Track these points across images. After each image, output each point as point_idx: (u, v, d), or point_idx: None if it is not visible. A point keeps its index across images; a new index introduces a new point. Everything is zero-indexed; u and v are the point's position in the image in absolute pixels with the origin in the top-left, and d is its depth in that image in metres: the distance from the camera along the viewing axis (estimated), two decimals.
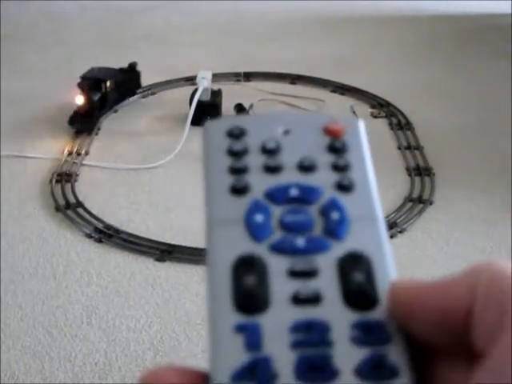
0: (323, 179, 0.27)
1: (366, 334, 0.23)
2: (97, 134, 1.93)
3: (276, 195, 0.26)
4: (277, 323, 0.23)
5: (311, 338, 0.23)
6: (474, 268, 0.23)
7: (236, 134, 0.28)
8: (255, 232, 0.25)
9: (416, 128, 1.95)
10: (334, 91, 2.19)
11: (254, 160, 0.27)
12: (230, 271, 0.24)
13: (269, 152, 0.27)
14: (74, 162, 1.77)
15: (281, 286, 0.24)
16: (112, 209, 1.60)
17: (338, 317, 0.24)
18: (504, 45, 2.53)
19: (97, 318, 1.28)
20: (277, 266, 0.25)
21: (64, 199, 1.62)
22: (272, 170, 0.27)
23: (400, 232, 1.53)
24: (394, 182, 1.71)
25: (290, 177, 0.27)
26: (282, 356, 0.23)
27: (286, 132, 0.28)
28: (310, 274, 0.24)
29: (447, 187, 1.69)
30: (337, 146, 0.27)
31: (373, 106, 2.09)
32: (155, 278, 1.38)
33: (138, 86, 2.11)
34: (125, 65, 2.21)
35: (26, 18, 2.84)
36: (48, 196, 1.64)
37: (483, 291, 0.22)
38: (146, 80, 2.22)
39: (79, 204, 1.60)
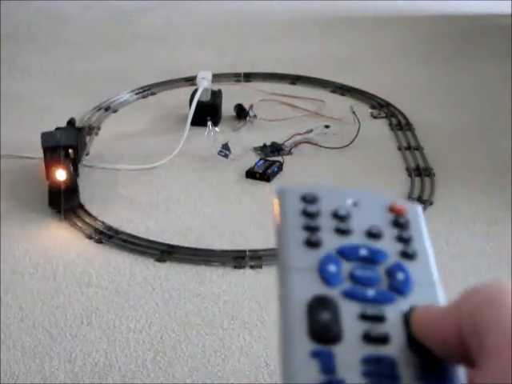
0: (389, 246, 0.30)
1: (426, 372, 0.26)
2: (97, 134, 1.93)
3: (347, 252, 0.29)
4: (349, 354, 0.26)
5: (381, 370, 0.26)
6: (463, 297, 0.27)
7: (310, 199, 0.31)
8: (328, 279, 0.28)
9: (416, 128, 1.95)
10: (333, 91, 2.19)
11: (326, 222, 0.30)
12: (306, 308, 0.27)
13: (340, 217, 0.31)
14: None
15: (353, 325, 0.27)
16: (112, 209, 1.60)
17: (403, 357, 0.27)
18: (504, 45, 2.53)
19: (97, 318, 1.28)
20: (348, 309, 0.28)
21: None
22: (343, 232, 0.30)
23: None
24: (394, 182, 1.71)
25: (359, 239, 0.30)
26: (355, 381, 0.25)
27: (355, 204, 0.32)
28: (379, 318, 0.28)
29: (447, 187, 1.69)
30: (400, 222, 0.31)
31: (373, 107, 2.09)
32: (155, 279, 1.38)
33: (85, 144, 1.81)
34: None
35: (25, 18, 2.84)
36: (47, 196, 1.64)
37: (466, 323, 0.26)
38: (145, 80, 2.23)
39: (79, 204, 1.60)
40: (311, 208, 0.31)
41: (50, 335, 1.24)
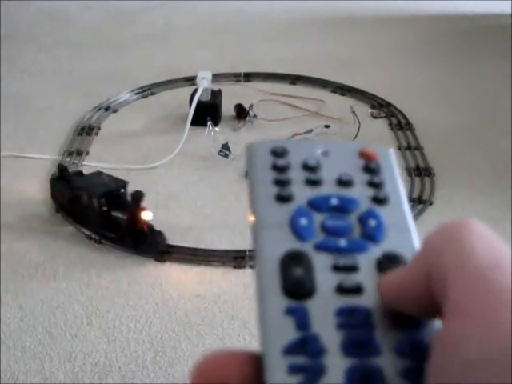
0: (360, 193, 0.30)
1: (401, 319, 0.27)
2: (97, 134, 1.93)
3: (318, 204, 0.29)
4: (323, 308, 0.27)
5: (355, 320, 0.26)
6: (426, 241, 0.26)
7: (279, 153, 0.31)
8: (300, 233, 0.28)
9: (416, 128, 1.95)
10: (334, 91, 2.19)
11: (297, 175, 0.30)
12: (279, 264, 0.27)
13: (310, 168, 0.31)
14: (73, 162, 1.77)
15: (325, 278, 0.27)
16: None
17: (377, 306, 0.27)
18: (504, 45, 2.53)
19: (97, 318, 1.28)
20: (321, 262, 0.28)
21: None
22: (313, 183, 0.30)
23: None
24: None
25: (329, 189, 0.30)
26: (329, 335, 0.26)
27: (325, 153, 0.31)
28: (351, 268, 0.28)
29: (447, 187, 1.69)
30: (371, 167, 0.31)
31: (373, 106, 2.09)
32: (155, 278, 1.38)
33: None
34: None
35: (25, 18, 2.84)
36: (48, 196, 1.64)
37: (432, 271, 0.25)
38: (145, 80, 2.23)
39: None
40: (281, 161, 0.31)
41: (50, 335, 1.24)
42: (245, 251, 1.45)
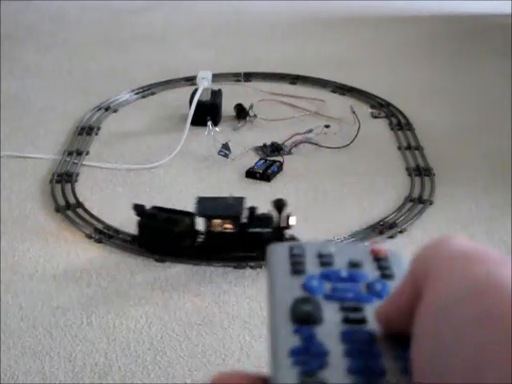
0: (369, 271, 0.33)
1: (402, 341, 0.28)
2: (97, 133, 1.93)
3: (329, 275, 0.32)
4: (329, 329, 0.29)
5: (359, 336, 0.28)
6: (411, 265, 0.28)
7: (296, 246, 0.35)
8: (311, 289, 0.31)
9: (416, 128, 1.95)
10: (333, 91, 2.19)
11: (311, 260, 0.33)
12: (290, 305, 0.30)
13: (323, 256, 0.34)
14: (73, 162, 1.77)
15: (333, 314, 0.30)
16: (112, 209, 1.60)
17: (380, 331, 0.29)
18: (504, 45, 2.53)
19: (97, 318, 1.28)
20: (329, 306, 0.30)
21: (64, 199, 1.62)
22: (325, 264, 0.33)
23: (400, 232, 1.53)
24: (394, 182, 1.71)
25: (341, 267, 0.33)
26: (334, 344, 0.28)
27: (338, 248, 0.34)
28: (357, 309, 0.30)
29: (447, 187, 1.69)
30: (381, 257, 0.34)
31: (373, 106, 2.09)
32: (155, 278, 1.38)
33: None
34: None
35: (25, 18, 2.84)
36: (48, 196, 1.64)
37: (416, 288, 0.27)
38: (146, 80, 2.23)
39: (79, 204, 1.60)
40: (297, 251, 0.34)
41: (50, 335, 1.24)
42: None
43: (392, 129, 1.97)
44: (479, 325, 0.22)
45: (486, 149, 1.86)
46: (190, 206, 1.48)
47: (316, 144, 1.85)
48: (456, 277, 0.25)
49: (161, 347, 1.22)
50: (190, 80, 2.15)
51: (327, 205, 1.62)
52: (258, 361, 1.19)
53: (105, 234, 1.50)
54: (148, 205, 1.46)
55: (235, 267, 1.41)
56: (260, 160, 1.76)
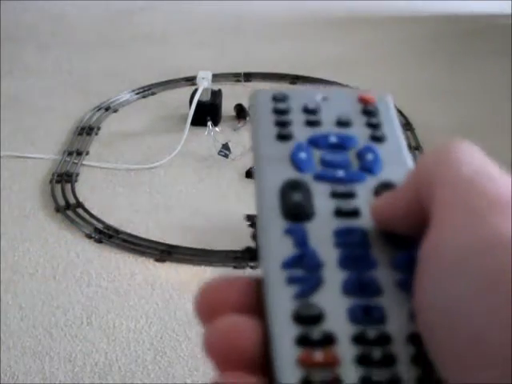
0: (358, 132, 0.31)
1: (396, 238, 0.27)
2: (97, 134, 1.93)
3: (317, 141, 0.30)
4: (321, 228, 0.27)
5: (352, 240, 0.27)
6: (417, 163, 0.27)
7: (280, 99, 0.32)
8: (299, 165, 0.29)
9: (416, 128, 1.95)
10: None
11: (297, 117, 0.31)
12: (279, 191, 0.28)
13: (309, 111, 0.32)
14: (73, 162, 1.77)
15: (324, 203, 0.28)
16: (112, 209, 1.60)
17: (374, 228, 0.28)
18: (504, 45, 2.53)
19: (97, 318, 1.28)
20: (320, 190, 0.29)
21: (64, 199, 1.62)
22: (313, 123, 0.31)
23: None
24: None
25: (329, 129, 0.31)
26: (327, 251, 0.27)
27: (324, 99, 0.32)
28: (349, 195, 0.29)
29: None
30: (370, 110, 0.32)
31: None
32: (155, 278, 1.38)
33: None
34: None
35: (26, 18, 2.84)
36: (48, 196, 1.64)
37: (422, 186, 0.26)
38: (146, 80, 2.23)
39: (79, 204, 1.60)
40: (281, 105, 0.32)
41: (50, 335, 1.24)
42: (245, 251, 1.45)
43: None
44: (491, 286, 0.22)
45: (486, 149, 1.85)
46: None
47: None
48: (463, 221, 0.23)
49: (161, 347, 1.22)
50: (190, 80, 2.15)
51: None
52: None
53: (105, 234, 1.50)
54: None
55: (235, 267, 1.42)
56: None
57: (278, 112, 0.32)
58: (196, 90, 1.93)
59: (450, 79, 2.30)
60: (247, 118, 1.96)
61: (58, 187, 1.67)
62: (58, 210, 1.59)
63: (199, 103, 1.91)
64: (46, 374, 1.17)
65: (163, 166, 1.76)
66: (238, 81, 2.25)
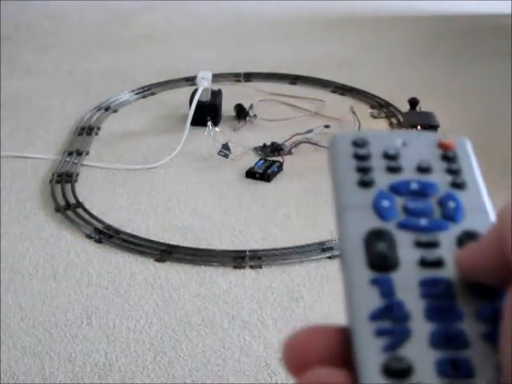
0: (439, 179, 0.31)
1: (481, 289, 0.28)
2: (97, 133, 1.93)
3: (399, 188, 0.31)
4: (406, 279, 0.28)
5: (438, 290, 0.27)
6: (499, 215, 0.28)
7: (360, 143, 0.33)
8: (383, 213, 0.30)
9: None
10: (333, 91, 2.19)
11: (377, 163, 0.32)
12: (363, 241, 0.29)
13: (390, 157, 0.32)
14: (74, 162, 1.77)
15: (408, 253, 0.28)
16: (112, 209, 1.60)
17: (459, 277, 0.28)
18: (504, 45, 2.53)
19: (97, 318, 1.28)
20: (403, 239, 0.29)
21: (64, 199, 1.62)
22: (393, 169, 0.31)
23: None
24: None
25: (409, 175, 0.31)
26: (413, 302, 0.27)
27: (404, 144, 0.33)
28: (433, 244, 0.29)
29: None
30: (449, 156, 0.32)
31: (373, 107, 2.09)
32: (155, 279, 1.38)
33: None
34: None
35: (25, 18, 2.84)
36: (48, 196, 1.64)
37: (505, 238, 0.26)
38: (146, 80, 2.23)
39: (79, 204, 1.60)
40: (362, 151, 0.32)
41: (50, 335, 1.24)
42: (245, 251, 1.45)
43: (392, 129, 1.97)
44: None
45: (487, 149, 1.86)
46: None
47: (316, 144, 1.85)
48: None
49: (161, 347, 1.22)
50: (190, 80, 2.15)
51: (327, 205, 1.62)
52: (258, 361, 1.19)
53: (105, 234, 1.50)
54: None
55: (235, 267, 1.42)
56: (260, 160, 1.76)
57: (359, 158, 0.32)
58: (196, 90, 1.93)
59: (449, 79, 2.30)
60: (247, 119, 1.96)
61: (58, 187, 1.67)
62: (57, 210, 1.59)
63: (199, 103, 1.91)
64: (45, 374, 1.17)
65: (163, 166, 1.76)
66: (238, 81, 2.25)
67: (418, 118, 1.89)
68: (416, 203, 0.30)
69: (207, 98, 1.94)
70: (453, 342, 0.26)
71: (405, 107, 2.06)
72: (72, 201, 1.62)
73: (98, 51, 2.50)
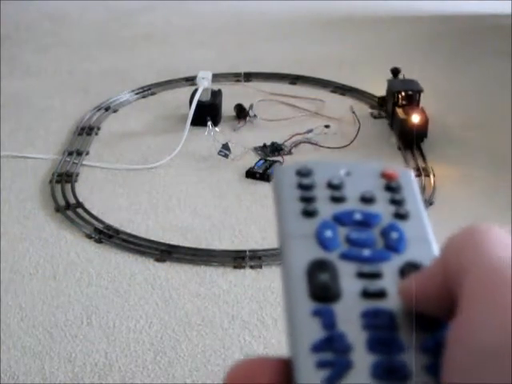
0: (382, 209, 0.32)
1: (424, 321, 0.28)
2: (97, 134, 1.93)
3: (342, 218, 0.31)
4: (348, 310, 0.28)
5: (379, 321, 0.27)
6: (445, 247, 0.27)
7: (304, 173, 0.33)
8: (325, 243, 0.30)
9: None
10: (333, 91, 2.19)
11: (321, 193, 0.32)
12: (305, 271, 0.29)
13: (334, 187, 0.32)
14: (74, 162, 1.77)
15: (350, 284, 0.28)
16: (112, 209, 1.60)
17: (401, 309, 0.28)
18: (504, 45, 2.53)
19: (97, 318, 1.28)
20: (346, 269, 0.29)
21: (64, 199, 1.62)
22: (337, 199, 0.32)
23: None
24: None
25: (353, 205, 0.32)
26: (355, 334, 0.27)
27: (348, 174, 0.33)
28: (375, 275, 0.29)
29: (447, 187, 1.69)
30: (393, 186, 0.33)
31: (373, 106, 2.09)
32: (155, 278, 1.38)
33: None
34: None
35: (25, 18, 2.84)
36: (48, 196, 1.64)
37: (451, 271, 0.26)
38: (145, 80, 2.23)
39: (79, 204, 1.60)
40: (306, 180, 0.32)
41: (50, 335, 1.24)
42: (245, 251, 1.45)
43: (392, 129, 1.97)
44: None
45: (487, 149, 1.86)
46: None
47: (316, 144, 1.85)
48: (489, 318, 0.24)
49: (161, 347, 1.22)
50: (190, 80, 2.15)
51: None
52: None
53: (105, 234, 1.50)
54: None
55: (235, 267, 1.42)
56: (260, 160, 1.76)
57: (303, 187, 0.32)
58: (196, 90, 1.93)
59: (449, 79, 2.30)
60: (247, 119, 1.96)
61: (58, 187, 1.67)
62: (57, 210, 1.59)
63: (199, 103, 1.91)
64: (45, 374, 1.17)
65: (163, 166, 1.76)
66: (238, 81, 2.25)
67: (401, 85, 1.93)
68: (359, 234, 0.30)
69: (207, 98, 1.94)
70: (394, 373, 0.26)
71: None
72: (72, 201, 1.62)
73: (98, 51, 2.50)
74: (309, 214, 0.31)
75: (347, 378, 0.25)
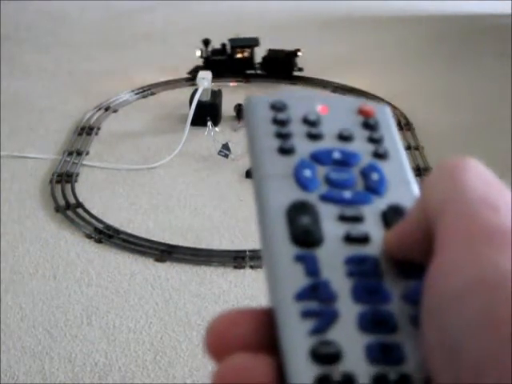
0: (361, 148, 0.30)
1: (408, 266, 0.27)
2: (97, 134, 1.93)
3: (320, 157, 0.29)
4: (332, 256, 0.26)
5: (364, 269, 0.26)
6: (424, 186, 0.26)
7: (279, 107, 0.31)
8: (305, 183, 0.28)
9: (416, 128, 1.95)
10: (334, 91, 2.19)
11: (297, 129, 0.30)
12: (285, 214, 0.27)
13: (310, 123, 0.30)
14: (74, 162, 1.77)
15: (332, 228, 0.27)
16: (112, 209, 1.60)
17: (385, 256, 0.27)
18: (504, 45, 2.53)
19: (97, 318, 1.28)
20: (327, 212, 0.28)
21: (64, 199, 1.62)
22: (314, 137, 0.30)
23: None
24: None
25: (331, 143, 0.30)
26: (340, 281, 0.26)
27: (325, 110, 0.31)
28: (357, 219, 0.28)
29: None
30: (370, 123, 0.31)
31: None
32: (155, 278, 1.38)
33: None
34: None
35: (25, 18, 2.84)
36: (48, 196, 1.64)
37: (428, 209, 0.25)
38: (145, 80, 2.23)
39: (79, 204, 1.60)
40: (281, 115, 0.31)
41: (50, 335, 1.24)
42: (245, 251, 1.45)
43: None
44: (480, 326, 0.21)
45: (486, 149, 1.86)
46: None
47: None
48: (463, 255, 0.22)
49: (161, 347, 1.22)
50: (190, 80, 2.15)
51: None
52: None
53: (105, 234, 1.50)
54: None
55: (235, 267, 1.42)
56: None
57: (278, 122, 0.30)
58: (196, 90, 1.93)
59: (449, 79, 2.30)
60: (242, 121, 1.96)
61: (58, 187, 1.67)
62: (57, 210, 1.59)
63: (199, 103, 1.91)
64: (45, 374, 1.17)
65: (163, 166, 1.76)
66: (238, 81, 2.25)
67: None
68: (339, 174, 0.29)
69: (207, 97, 1.94)
70: (381, 325, 0.25)
71: (405, 107, 2.07)
72: (72, 201, 1.62)
73: (98, 51, 2.50)
74: (285, 151, 0.29)
75: (334, 329, 0.24)
